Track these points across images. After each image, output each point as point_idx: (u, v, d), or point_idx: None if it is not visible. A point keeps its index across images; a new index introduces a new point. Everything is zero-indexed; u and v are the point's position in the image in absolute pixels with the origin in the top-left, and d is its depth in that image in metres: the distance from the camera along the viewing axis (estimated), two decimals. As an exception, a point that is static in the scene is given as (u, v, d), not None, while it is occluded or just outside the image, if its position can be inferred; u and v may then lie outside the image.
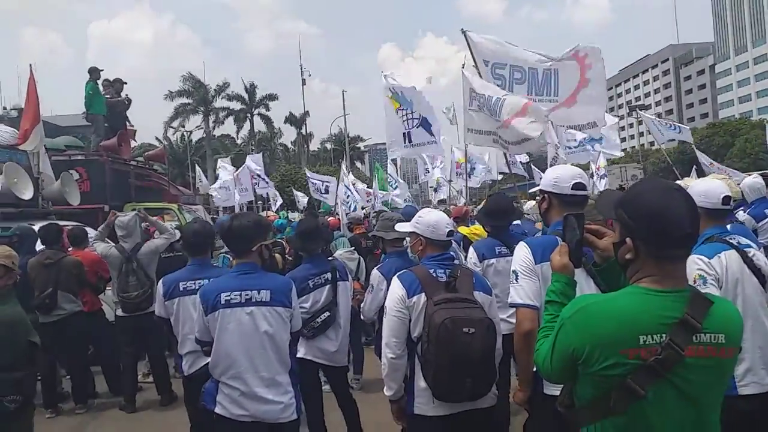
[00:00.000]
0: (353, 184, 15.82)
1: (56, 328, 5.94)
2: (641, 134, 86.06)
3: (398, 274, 3.00)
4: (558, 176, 2.75)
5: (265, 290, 3.14)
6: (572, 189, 2.67)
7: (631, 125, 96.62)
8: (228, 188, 17.34)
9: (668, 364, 1.58)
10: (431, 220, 3.07)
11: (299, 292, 4.21)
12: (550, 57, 7.57)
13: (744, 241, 3.07)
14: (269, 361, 3.10)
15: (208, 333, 3.14)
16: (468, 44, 7.65)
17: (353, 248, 6.82)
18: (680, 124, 16.12)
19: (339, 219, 11.39)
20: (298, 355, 4.30)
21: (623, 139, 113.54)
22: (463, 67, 7.90)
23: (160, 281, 4.20)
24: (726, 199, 3.06)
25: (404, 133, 9.97)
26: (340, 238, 7.71)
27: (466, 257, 4.84)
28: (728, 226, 3.33)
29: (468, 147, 9.79)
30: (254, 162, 18.52)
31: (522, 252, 2.68)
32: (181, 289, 4.05)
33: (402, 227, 3.40)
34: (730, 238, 3.01)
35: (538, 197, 3.06)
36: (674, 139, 15.55)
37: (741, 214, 6.95)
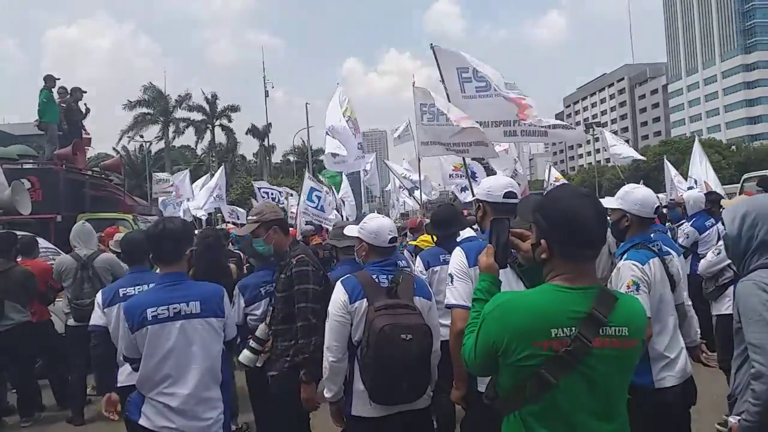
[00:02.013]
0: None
1: (3, 338, 5.82)
2: (597, 151, 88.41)
3: (341, 279, 3.06)
4: (491, 186, 2.96)
5: (194, 301, 3.00)
6: (504, 197, 2.86)
7: (588, 142, 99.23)
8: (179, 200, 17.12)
9: (577, 354, 1.73)
10: (373, 226, 3.12)
11: (252, 299, 4.26)
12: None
13: (665, 248, 3.29)
14: (200, 376, 2.98)
15: (135, 350, 2.99)
16: (436, 59, 7.74)
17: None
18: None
19: (296, 230, 11.42)
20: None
21: (580, 156, 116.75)
22: (413, 85, 8.10)
23: (100, 291, 4.10)
24: (656, 209, 3.30)
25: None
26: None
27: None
28: (651, 234, 3.55)
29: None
30: (217, 176, 18.31)
31: (457, 256, 2.85)
32: (121, 295, 3.90)
33: (350, 231, 3.47)
34: (653, 245, 3.22)
35: (474, 206, 3.22)
36: (631, 156, 16.37)
37: (685, 226, 7.32)
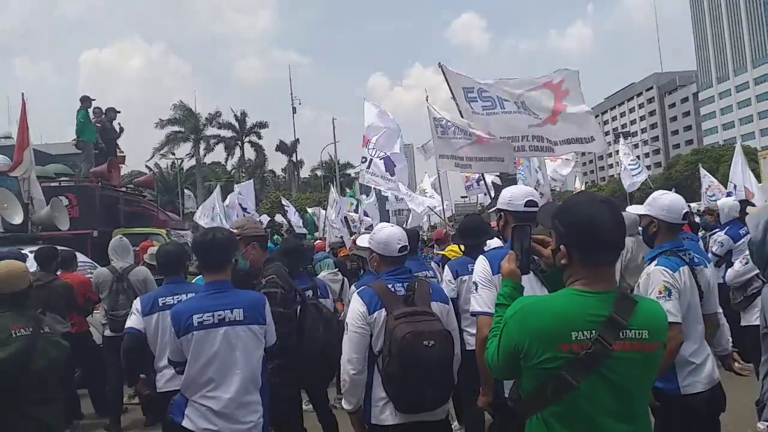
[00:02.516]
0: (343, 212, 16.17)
1: None
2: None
3: (358, 290, 3.05)
4: (512, 195, 3.00)
5: (238, 309, 3.11)
6: (525, 206, 2.90)
7: (617, 152, 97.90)
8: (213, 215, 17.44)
9: (598, 357, 1.77)
10: (383, 237, 3.10)
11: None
12: (519, 86, 7.76)
13: (696, 258, 3.28)
14: (242, 380, 3.08)
15: (181, 354, 3.10)
16: (445, 76, 7.96)
17: (337, 270, 6.98)
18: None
19: (324, 241, 11.60)
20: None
21: (610, 165, 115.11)
22: (426, 100, 8.31)
23: (138, 298, 4.24)
24: (685, 215, 3.29)
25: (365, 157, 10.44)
26: (324, 260, 7.88)
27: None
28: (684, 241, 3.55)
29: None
30: (244, 190, 18.59)
31: (481, 264, 2.90)
32: (160, 304, 4.06)
33: (361, 242, 3.49)
34: (684, 254, 3.21)
35: (496, 216, 3.28)
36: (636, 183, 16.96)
37: (719, 234, 7.22)
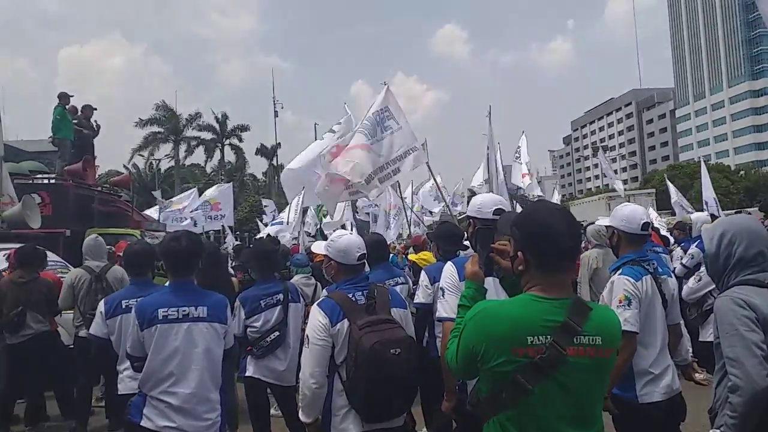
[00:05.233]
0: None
1: (23, 348, 5.96)
2: (605, 175, 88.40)
3: (318, 302, 2.98)
4: (481, 203, 3.05)
5: (202, 306, 3.18)
6: (494, 214, 2.95)
7: (596, 165, 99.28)
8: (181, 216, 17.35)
9: (552, 362, 1.81)
10: (341, 245, 3.05)
11: (251, 311, 4.38)
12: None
13: (660, 269, 3.36)
14: (202, 377, 3.11)
15: (141, 348, 3.13)
16: (387, 92, 8.30)
17: (310, 273, 6.97)
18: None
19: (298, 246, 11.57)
20: (247, 374, 4.44)
21: (588, 179, 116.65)
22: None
23: (102, 301, 4.23)
24: (645, 226, 3.36)
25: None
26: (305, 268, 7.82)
27: (415, 281, 5.09)
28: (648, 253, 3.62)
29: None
30: (221, 192, 18.46)
31: (448, 270, 2.95)
32: (123, 306, 4.02)
33: (317, 248, 3.46)
34: (647, 264, 3.29)
35: (464, 223, 3.33)
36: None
37: (692, 248, 7.38)
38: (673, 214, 14.84)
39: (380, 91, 8.40)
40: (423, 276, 4.75)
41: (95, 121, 13.80)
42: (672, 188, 14.26)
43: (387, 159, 7.71)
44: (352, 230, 10.94)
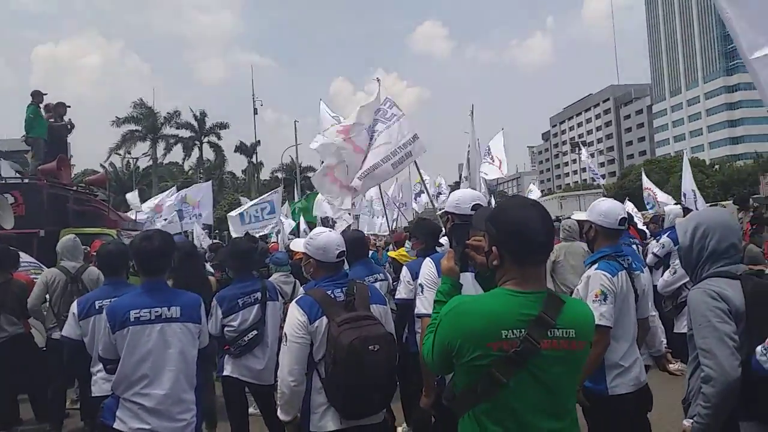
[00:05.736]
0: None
1: None
2: (583, 170, 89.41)
3: (297, 299, 2.97)
4: (459, 198, 3.05)
5: (175, 306, 3.14)
6: (471, 210, 2.95)
7: (574, 161, 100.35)
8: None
9: (526, 355, 1.82)
10: (321, 242, 3.02)
11: (228, 310, 4.34)
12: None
13: (634, 264, 3.39)
14: (177, 378, 3.08)
15: (113, 350, 3.08)
16: (379, 90, 8.35)
17: (289, 271, 6.93)
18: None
19: (278, 245, 11.54)
20: (224, 373, 4.40)
21: (566, 174, 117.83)
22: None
23: (74, 302, 4.16)
24: (622, 221, 3.39)
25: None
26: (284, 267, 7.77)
27: (395, 278, 5.09)
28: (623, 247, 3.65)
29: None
30: (200, 190, 18.21)
31: (427, 267, 2.95)
32: (97, 307, 3.93)
33: (295, 246, 3.44)
34: (622, 259, 3.32)
35: (443, 218, 3.33)
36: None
37: (663, 238, 7.48)
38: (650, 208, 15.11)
39: (362, 88, 8.44)
40: (405, 271, 4.75)
41: (69, 119, 13.56)
42: (646, 183, 14.49)
43: (397, 144, 7.64)
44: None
